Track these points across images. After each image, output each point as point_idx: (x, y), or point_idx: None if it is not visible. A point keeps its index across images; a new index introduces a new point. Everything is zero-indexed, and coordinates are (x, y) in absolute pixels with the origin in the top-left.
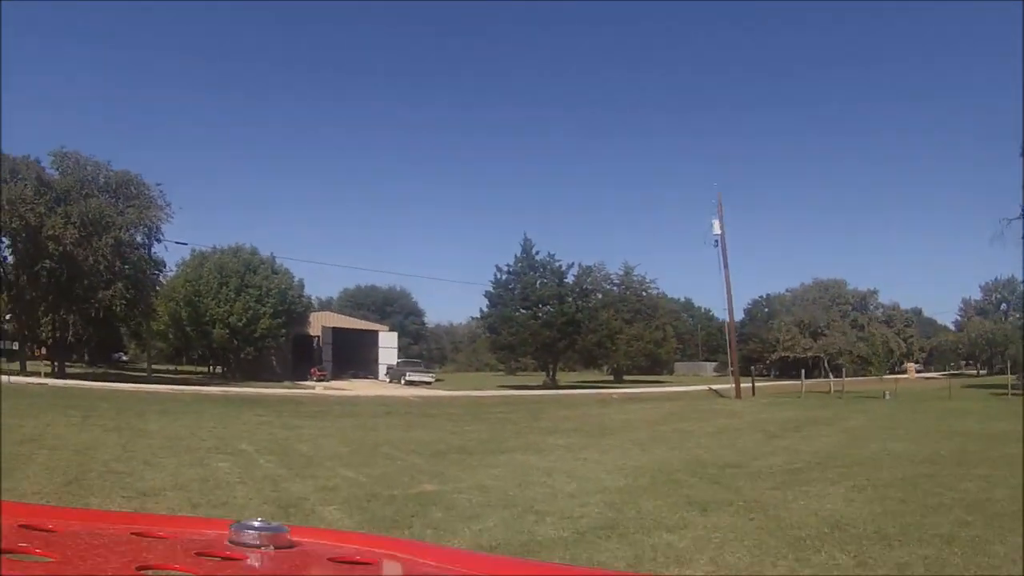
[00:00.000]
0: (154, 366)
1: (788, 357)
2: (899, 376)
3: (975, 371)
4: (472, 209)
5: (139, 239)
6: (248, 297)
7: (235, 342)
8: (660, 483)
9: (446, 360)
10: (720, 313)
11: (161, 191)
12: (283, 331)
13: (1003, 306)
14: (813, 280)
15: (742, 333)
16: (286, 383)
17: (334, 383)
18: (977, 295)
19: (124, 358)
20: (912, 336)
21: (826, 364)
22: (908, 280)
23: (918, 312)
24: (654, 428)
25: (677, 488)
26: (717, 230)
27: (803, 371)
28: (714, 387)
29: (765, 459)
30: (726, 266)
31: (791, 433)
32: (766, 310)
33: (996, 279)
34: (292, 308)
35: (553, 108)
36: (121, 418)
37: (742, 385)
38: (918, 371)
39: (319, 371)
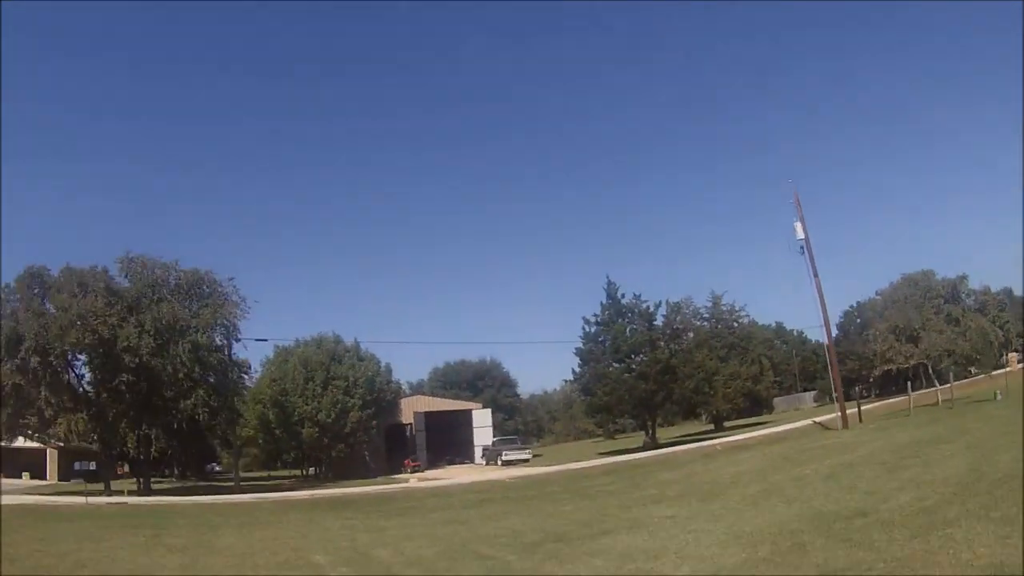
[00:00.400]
0: (246, 473)
1: (891, 370)
2: (1003, 370)
3: None
4: (549, 261)
5: (217, 340)
6: (335, 390)
7: (325, 440)
8: (783, 550)
9: (543, 432)
10: (814, 333)
11: (235, 286)
12: (374, 422)
13: None
14: (901, 276)
15: (838, 352)
16: (379, 478)
17: (429, 472)
18: None
19: (217, 468)
20: (1008, 322)
21: (930, 370)
22: (988, 257)
23: (1008, 292)
24: (765, 479)
25: (804, 554)
26: (800, 234)
27: (908, 383)
28: (817, 419)
29: (893, 498)
30: (815, 274)
31: (911, 460)
32: (858, 320)
33: None
34: (381, 396)
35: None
36: (193, 535)
37: (847, 411)
38: (1020, 361)
39: (412, 462)
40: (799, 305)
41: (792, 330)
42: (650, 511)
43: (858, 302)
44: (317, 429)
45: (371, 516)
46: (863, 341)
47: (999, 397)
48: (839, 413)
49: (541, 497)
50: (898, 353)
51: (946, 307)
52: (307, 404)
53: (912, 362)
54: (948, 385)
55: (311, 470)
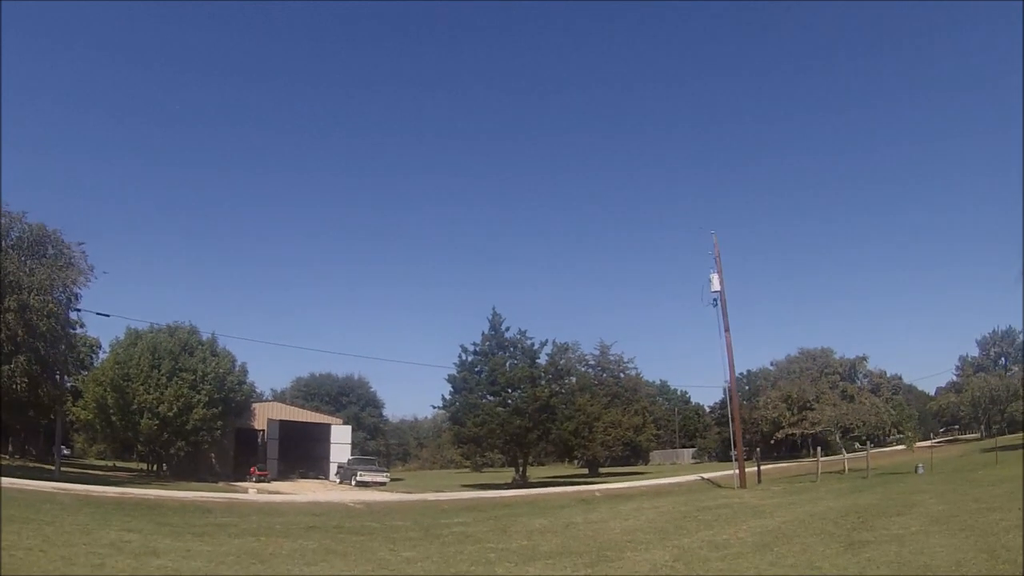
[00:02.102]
0: (96, 461)
1: (779, 437)
2: (893, 448)
3: (977, 434)
4: (438, 287)
5: (51, 307)
6: (181, 382)
7: (165, 435)
8: None
9: (409, 457)
10: (697, 396)
11: (83, 252)
12: (219, 423)
13: (1002, 360)
14: (799, 350)
15: (722, 414)
16: (221, 484)
17: (276, 484)
18: (974, 351)
19: (66, 452)
20: (900, 404)
21: (838, 439)
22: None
23: (898, 378)
24: (669, 541)
25: None
26: (716, 286)
27: (818, 449)
28: (705, 476)
29: None
30: (727, 329)
31: (866, 534)
32: (747, 387)
33: (994, 331)
34: (231, 396)
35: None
36: None
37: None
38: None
39: (259, 470)
40: (685, 365)
41: (676, 389)
42: (522, 572)
43: (748, 370)
44: (156, 421)
45: (162, 530)
46: (751, 407)
47: (920, 471)
48: (736, 471)
49: (382, 533)
50: (798, 420)
51: (842, 384)
52: (148, 393)
53: (818, 429)
54: (862, 454)
55: (155, 466)
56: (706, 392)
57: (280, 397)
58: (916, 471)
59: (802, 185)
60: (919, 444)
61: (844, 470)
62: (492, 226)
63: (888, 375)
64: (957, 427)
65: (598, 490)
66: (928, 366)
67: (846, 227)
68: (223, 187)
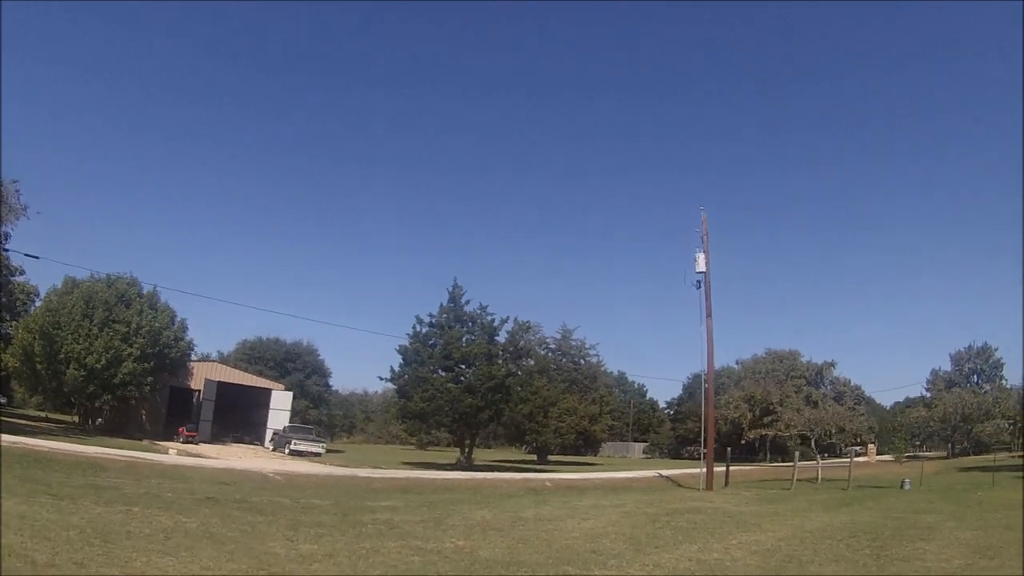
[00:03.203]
0: (35, 413)
1: (746, 438)
2: (860, 460)
3: (943, 452)
4: (400, 260)
5: None
6: (113, 334)
7: (90, 387)
8: None
9: (355, 430)
10: (654, 391)
11: (17, 190)
12: (150, 379)
13: (975, 377)
14: (766, 351)
15: (680, 412)
16: (146, 442)
17: (204, 447)
18: (947, 365)
19: (2, 400)
20: (862, 415)
21: (812, 445)
22: (847, 355)
23: (858, 388)
24: (648, 556)
25: None
26: (702, 266)
27: (796, 454)
28: (664, 472)
29: None
30: (709, 314)
31: (901, 565)
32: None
33: (970, 346)
34: (166, 353)
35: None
36: None
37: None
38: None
39: (188, 431)
40: (644, 358)
41: (633, 381)
42: None
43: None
44: (83, 373)
45: (22, 488)
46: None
47: (907, 486)
48: (703, 471)
49: (289, 514)
50: (771, 422)
51: (807, 389)
52: (77, 343)
53: (791, 432)
54: (821, 463)
55: (86, 420)
56: (663, 387)
57: (226, 360)
58: (902, 486)
59: (778, 183)
60: (878, 458)
61: (818, 479)
62: (458, 198)
63: (852, 384)
64: (918, 443)
65: (549, 480)
66: (884, 379)
67: (818, 229)
68: (185, 141)
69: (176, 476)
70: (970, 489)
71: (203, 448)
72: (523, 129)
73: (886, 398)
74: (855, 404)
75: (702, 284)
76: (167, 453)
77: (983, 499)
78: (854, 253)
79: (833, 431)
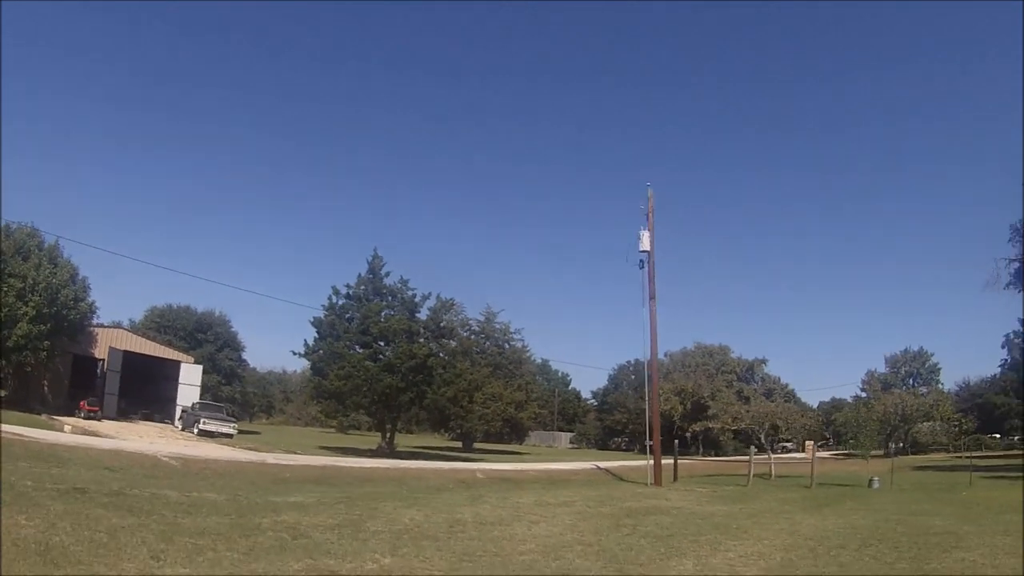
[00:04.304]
0: None
1: (691, 431)
2: (798, 456)
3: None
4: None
5: None
6: (8, 290)
7: None
8: None
9: (273, 411)
10: (578, 381)
11: None
12: (45, 343)
13: (910, 380)
14: (695, 344)
15: (606, 404)
16: (44, 417)
17: (107, 424)
18: (880, 367)
19: None
20: (811, 412)
21: (762, 439)
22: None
23: (787, 386)
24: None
25: None
26: (646, 244)
27: (751, 447)
28: (602, 465)
29: None
30: (652, 296)
31: None
32: (633, 377)
33: (906, 349)
34: (64, 314)
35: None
36: None
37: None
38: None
39: (89, 405)
40: (569, 348)
41: (557, 370)
42: None
43: (637, 359)
44: None
45: None
46: (637, 397)
47: (876, 485)
48: (650, 464)
49: (173, 512)
50: (716, 414)
51: (738, 384)
52: None
53: (740, 426)
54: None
55: None
56: (587, 377)
57: (134, 328)
58: (871, 485)
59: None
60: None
61: (771, 475)
62: (379, 168)
63: (781, 382)
64: (851, 441)
65: (480, 471)
66: (808, 380)
67: (752, 225)
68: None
69: (52, 459)
70: (946, 489)
71: (105, 425)
72: (448, 99)
73: (810, 398)
74: (784, 401)
75: (645, 264)
76: (62, 430)
77: (973, 499)
78: (784, 253)
79: (783, 427)
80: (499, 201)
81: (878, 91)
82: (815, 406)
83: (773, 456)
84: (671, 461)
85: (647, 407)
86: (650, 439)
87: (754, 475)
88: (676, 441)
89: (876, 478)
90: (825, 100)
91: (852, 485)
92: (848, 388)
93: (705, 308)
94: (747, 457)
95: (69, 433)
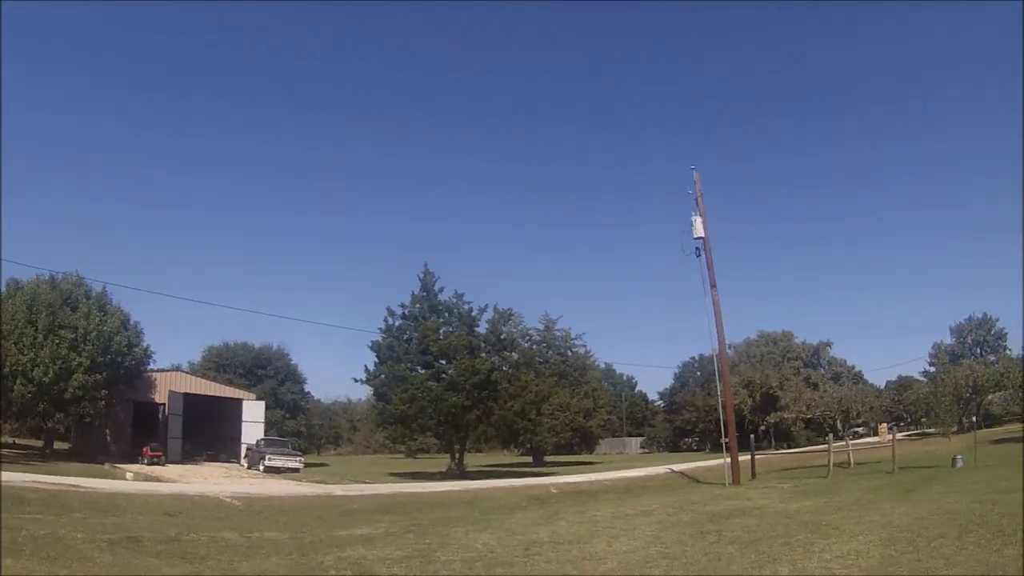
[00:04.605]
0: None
1: (764, 424)
2: (873, 440)
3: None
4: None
5: None
6: (59, 342)
7: (42, 404)
8: None
9: (341, 441)
10: (644, 384)
11: None
12: (103, 392)
13: (978, 349)
14: (758, 333)
15: (674, 403)
16: (107, 465)
17: (172, 468)
18: (947, 339)
19: None
20: (882, 393)
21: (838, 425)
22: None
23: (853, 368)
24: None
25: None
26: (699, 231)
27: (829, 436)
28: (675, 468)
29: None
30: (714, 285)
31: None
32: (699, 374)
33: (970, 317)
34: (119, 361)
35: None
36: None
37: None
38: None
39: (152, 451)
40: (630, 348)
41: (622, 374)
42: None
43: (701, 354)
44: (32, 388)
45: None
46: (705, 394)
47: (960, 464)
48: (727, 462)
49: (230, 556)
50: (791, 402)
51: (805, 371)
52: (23, 354)
53: (815, 413)
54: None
55: (51, 444)
56: (652, 377)
57: (193, 370)
58: (954, 464)
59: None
60: (888, 437)
61: (850, 463)
62: (425, 180)
63: (847, 364)
64: (909, 420)
65: (553, 485)
66: (871, 359)
67: (803, 208)
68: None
69: (109, 508)
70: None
71: (168, 470)
72: (489, 111)
73: (877, 378)
74: (853, 384)
75: (702, 251)
76: (124, 478)
77: None
78: (841, 234)
79: (856, 411)
80: (537, 207)
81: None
82: (882, 386)
83: (850, 443)
84: (747, 458)
85: (719, 403)
86: (725, 436)
87: (833, 464)
88: (752, 436)
89: (959, 456)
90: (881, 75)
91: (935, 466)
92: (914, 364)
93: (762, 295)
94: (822, 447)
95: (130, 480)
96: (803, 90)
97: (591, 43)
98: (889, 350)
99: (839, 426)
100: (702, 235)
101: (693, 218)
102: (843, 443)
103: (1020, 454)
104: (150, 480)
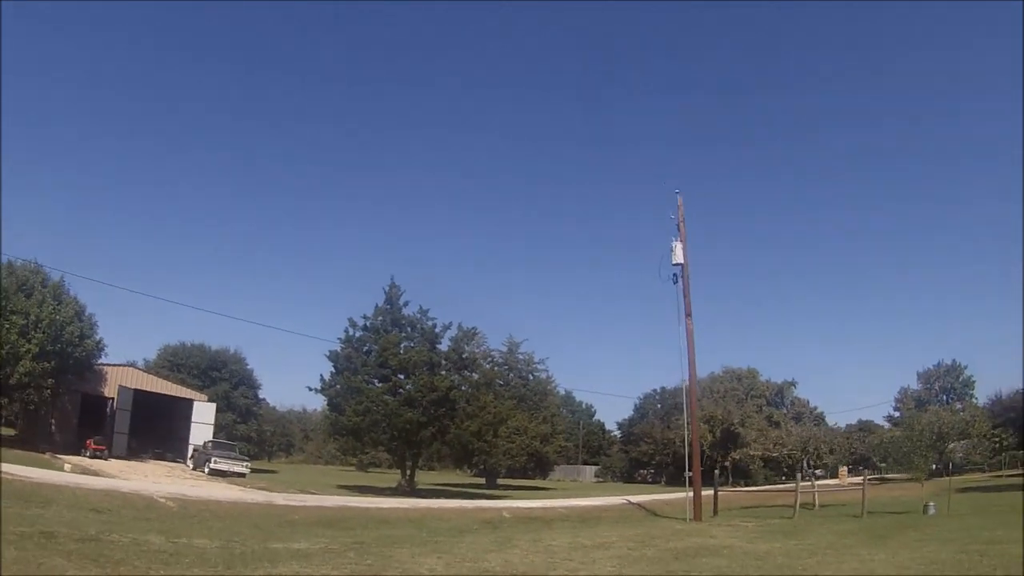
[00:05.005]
0: None
1: (731, 460)
2: (830, 483)
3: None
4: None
5: None
6: (9, 327)
7: None
8: None
9: (293, 449)
10: (603, 414)
11: None
12: (49, 381)
13: (944, 396)
14: (723, 369)
15: (630, 432)
16: (47, 456)
17: (115, 463)
18: (913, 384)
19: None
20: (852, 435)
21: (806, 465)
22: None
23: (815, 409)
24: None
25: None
26: (679, 257)
27: (798, 475)
28: (633, 499)
29: None
30: (689, 314)
31: None
32: (659, 406)
33: (939, 363)
34: (69, 351)
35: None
36: None
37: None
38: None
39: (95, 444)
40: (591, 377)
41: (581, 401)
42: None
43: (663, 387)
44: None
45: None
46: (664, 427)
47: (932, 511)
48: (689, 497)
49: (147, 562)
50: (756, 439)
51: (767, 409)
52: None
53: (782, 452)
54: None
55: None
56: (611, 407)
57: (147, 368)
58: (926, 511)
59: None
60: (849, 480)
61: (814, 504)
62: (396, 194)
63: (810, 405)
64: (883, 465)
65: (506, 509)
66: (834, 402)
67: (774, 243)
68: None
69: (34, 499)
70: (1008, 511)
71: (110, 464)
72: (460, 124)
73: (837, 420)
74: (814, 425)
75: (679, 278)
76: (62, 469)
77: None
78: (808, 267)
79: (824, 452)
80: (513, 227)
81: (902, 90)
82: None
83: (807, 484)
84: (709, 493)
85: (685, 435)
86: (689, 469)
87: (788, 504)
88: (716, 471)
89: (932, 504)
90: (841, 103)
91: (905, 512)
92: (876, 410)
93: (729, 329)
94: (781, 486)
95: (68, 472)
96: (778, 114)
97: (566, 59)
98: (851, 395)
99: (807, 465)
100: (681, 261)
101: (673, 243)
102: (809, 483)
103: (991, 504)
104: (87, 474)
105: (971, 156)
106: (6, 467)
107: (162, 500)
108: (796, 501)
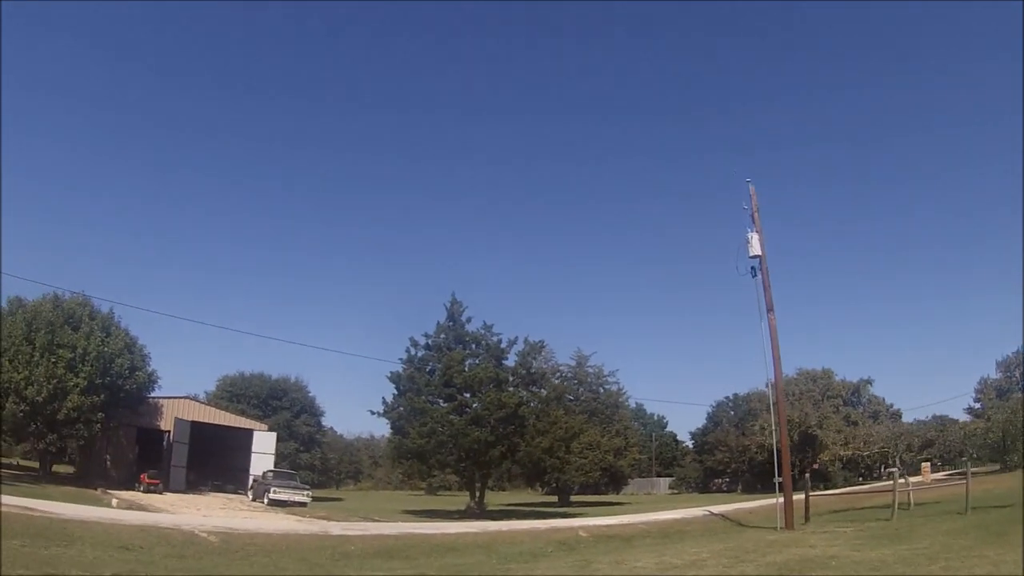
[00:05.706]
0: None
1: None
2: (914, 480)
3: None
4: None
5: None
6: (56, 360)
7: (33, 424)
8: None
9: (361, 476)
10: (674, 424)
11: None
12: (99, 415)
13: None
14: (797, 371)
15: (704, 441)
16: (99, 491)
17: (171, 496)
18: (993, 374)
19: None
20: (901, 434)
21: (896, 462)
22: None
23: (892, 406)
24: None
25: None
26: (756, 249)
27: (895, 474)
28: (713, 510)
29: None
30: (771, 308)
31: None
32: (732, 413)
33: (1018, 350)
34: (119, 384)
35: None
36: None
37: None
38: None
39: (150, 478)
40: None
41: (652, 413)
42: None
43: (735, 393)
44: (24, 406)
45: None
46: (739, 433)
47: None
48: (779, 504)
49: None
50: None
51: (844, 409)
52: (17, 372)
53: (871, 450)
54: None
55: (48, 466)
56: (682, 416)
57: (209, 399)
58: None
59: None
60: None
61: (909, 504)
62: (454, 210)
63: (886, 402)
64: (964, 459)
65: (582, 527)
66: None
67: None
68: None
69: (58, 537)
70: None
71: (164, 498)
72: (519, 145)
73: (911, 416)
74: (892, 422)
75: (758, 271)
76: (110, 505)
77: None
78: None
79: (903, 448)
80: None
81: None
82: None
83: (901, 482)
84: (798, 499)
85: (773, 435)
86: (778, 474)
87: (883, 505)
88: (807, 474)
89: None
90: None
91: (1008, 506)
92: (951, 404)
93: (798, 331)
94: (866, 487)
95: (113, 508)
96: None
97: (616, 74)
98: (921, 389)
99: (895, 463)
100: (759, 253)
101: (749, 235)
102: (904, 482)
103: None
104: (134, 508)
105: None
106: (34, 503)
107: (203, 535)
108: (894, 501)
